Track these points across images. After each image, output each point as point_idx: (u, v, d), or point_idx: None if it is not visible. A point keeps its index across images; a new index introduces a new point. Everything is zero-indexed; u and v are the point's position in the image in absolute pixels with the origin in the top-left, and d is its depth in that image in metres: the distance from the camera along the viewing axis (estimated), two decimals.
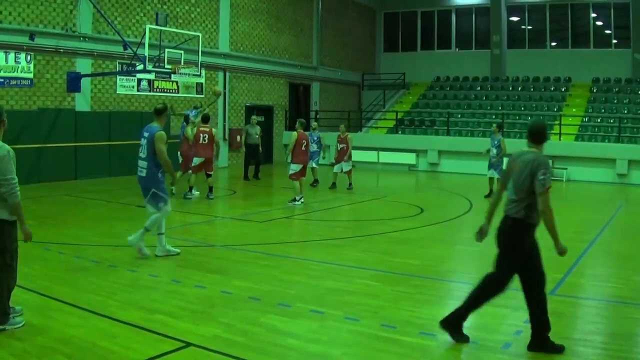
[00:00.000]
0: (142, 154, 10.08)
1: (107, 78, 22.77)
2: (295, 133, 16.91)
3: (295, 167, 16.71)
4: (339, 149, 20.43)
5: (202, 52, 21.90)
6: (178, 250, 10.46)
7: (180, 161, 17.84)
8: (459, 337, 6.52)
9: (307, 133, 18.07)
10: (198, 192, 17.59)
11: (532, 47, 35.38)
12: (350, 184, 19.95)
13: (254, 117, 23.31)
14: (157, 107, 10.31)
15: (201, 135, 17.07)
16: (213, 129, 17.52)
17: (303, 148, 16.89)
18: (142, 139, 10.11)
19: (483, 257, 10.07)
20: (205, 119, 17.51)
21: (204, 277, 9.10)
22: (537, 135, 6.52)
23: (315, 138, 20.69)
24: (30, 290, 7.88)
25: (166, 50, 20.21)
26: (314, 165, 20.41)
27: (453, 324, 6.55)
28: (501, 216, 6.53)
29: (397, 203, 17.57)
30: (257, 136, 22.00)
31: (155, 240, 10.35)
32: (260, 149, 22.39)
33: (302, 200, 16.54)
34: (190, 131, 17.41)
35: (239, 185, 20.36)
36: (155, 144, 9.88)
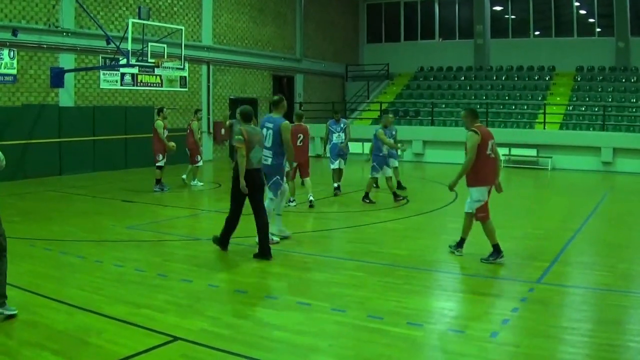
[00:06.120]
0: (267, 144, 10.46)
1: (90, 73, 22.65)
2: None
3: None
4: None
5: (185, 45, 21.83)
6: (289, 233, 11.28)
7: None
8: None
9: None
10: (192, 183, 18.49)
11: (516, 36, 35.41)
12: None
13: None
14: (274, 98, 11.08)
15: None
16: (194, 123, 18.77)
17: (299, 144, 14.57)
18: (265, 129, 10.51)
19: (468, 246, 10.12)
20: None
21: (190, 271, 9.08)
22: None
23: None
24: (16, 287, 7.82)
25: (149, 44, 20.13)
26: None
27: None
28: None
29: (382, 194, 17.57)
30: None
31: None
32: None
33: (295, 204, 15.00)
34: (195, 126, 18.67)
35: (224, 178, 20.29)
36: (281, 134, 10.40)
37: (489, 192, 9.70)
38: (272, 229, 10.62)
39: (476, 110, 10.17)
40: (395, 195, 15.75)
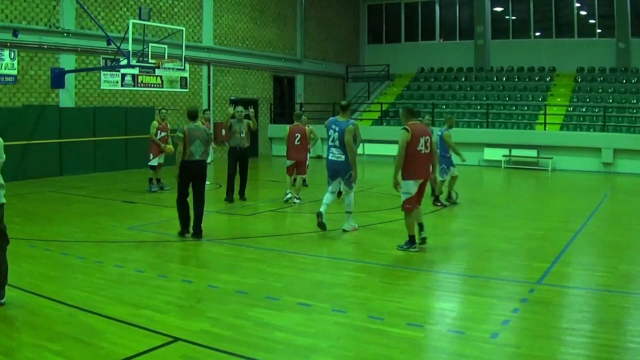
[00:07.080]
0: (336, 143, 11.61)
1: (91, 73, 22.65)
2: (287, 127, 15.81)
3: (287, 163, 15.79)
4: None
5: (185, 46, 21.88)
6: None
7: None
8: None
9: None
10: None
11: (516, 37, 35.38)
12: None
13: (238, 108, 15.92)
14: (343, 103, 12.23)
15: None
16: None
17: (297, 143, 15.57)
18: (331, 130, 11.63)
19: (469, 247, 10.13)
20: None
21: (190, 271, 9.09)
22: None
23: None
24: (17, 287, 7.82)
25: (150, 44, 20.15)
26: None
27: None
28: None
29: (383, 195, 17.57)
30: (243, 136, 15.75)
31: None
32: (246, 156, 16.25)
33: (290, 197, 15.61)
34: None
35: (224, 179, 20.26)
36: (345, 135, 11.44)
37: (423, 185, 10.44)
38: (344, 225, 12.09)
39: (414, 109, 10.95)
40: (437, 199, 15.48)
